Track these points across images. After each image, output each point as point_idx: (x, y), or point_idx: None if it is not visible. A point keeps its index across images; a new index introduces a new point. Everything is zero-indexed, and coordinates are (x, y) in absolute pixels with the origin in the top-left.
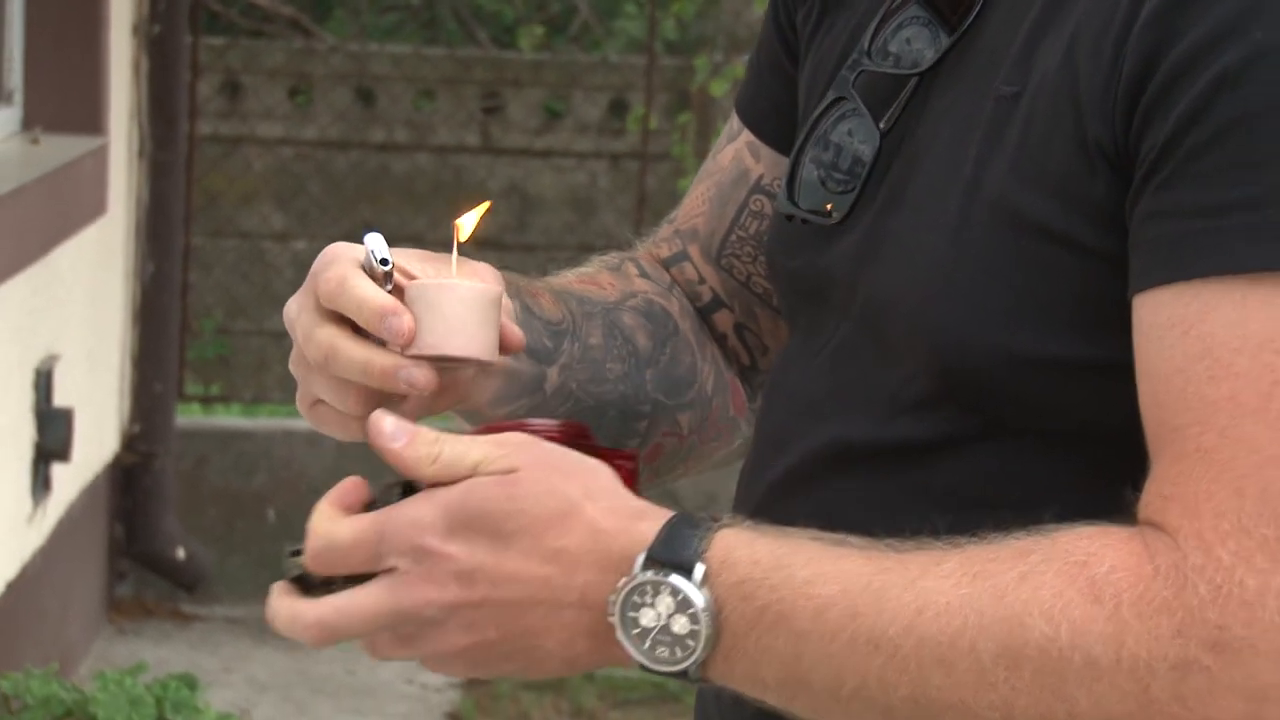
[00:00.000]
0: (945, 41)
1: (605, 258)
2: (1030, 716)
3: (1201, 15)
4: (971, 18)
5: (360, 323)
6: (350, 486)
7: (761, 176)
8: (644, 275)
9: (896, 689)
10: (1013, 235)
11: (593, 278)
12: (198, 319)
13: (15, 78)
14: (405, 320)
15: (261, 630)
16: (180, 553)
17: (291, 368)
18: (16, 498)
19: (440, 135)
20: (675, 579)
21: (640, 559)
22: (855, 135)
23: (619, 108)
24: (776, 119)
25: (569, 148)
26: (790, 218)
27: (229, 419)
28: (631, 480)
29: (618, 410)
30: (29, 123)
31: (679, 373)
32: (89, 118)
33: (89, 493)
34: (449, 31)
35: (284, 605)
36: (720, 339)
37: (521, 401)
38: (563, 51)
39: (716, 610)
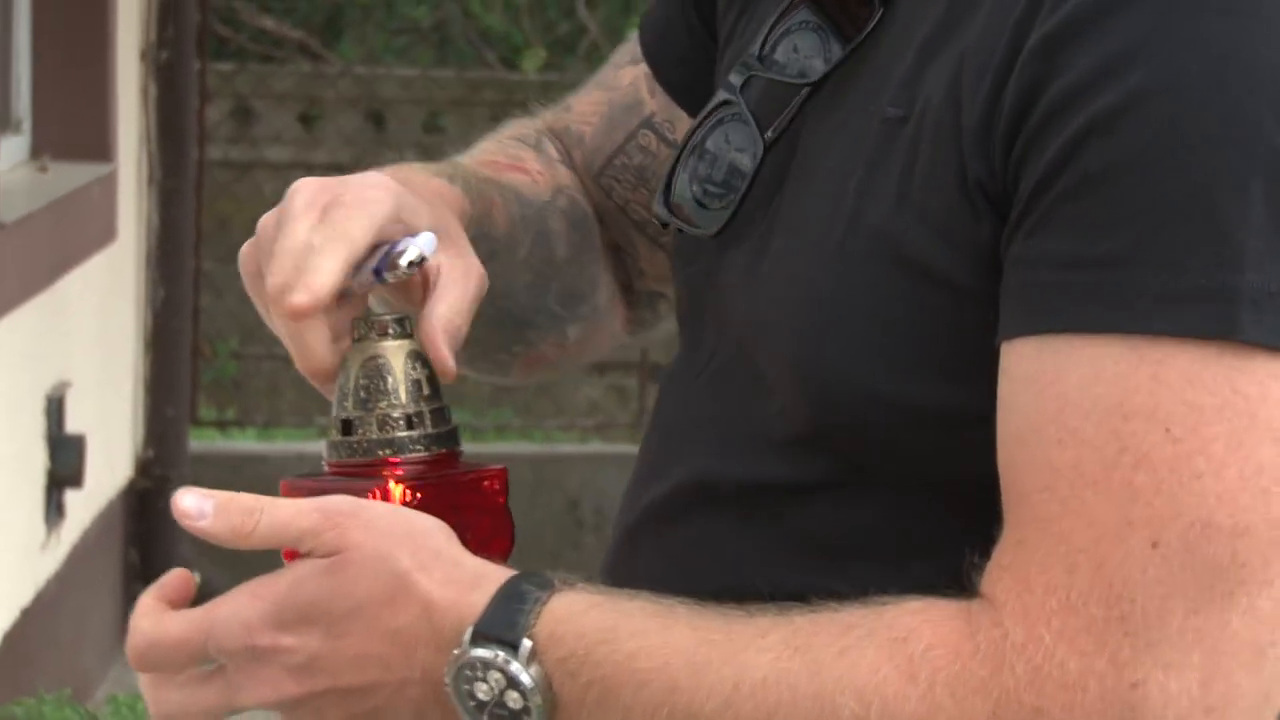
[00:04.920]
0: (837, 51)
1: (519, 129)
2: None
3: (1083, 52)
4: (868, 30)
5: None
6: (177, 580)
7: (654, 114)
8: (564, 162)
9: None
10: (892, 272)
11: (519, 161)
12: (210, 344)
13: (23, 105)
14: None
15: None
16: (196, 578)
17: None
18: (30, 524)
19: (450, 156)
20: (501, 657)
21: (468, 635)
22: (733, 142)
23: None
24: (681, 69)
25: None
26: (665, 225)
27: (243, 443)
28: (502, 495)
29: (513, 320)
30: (37, 150)
31: (581, 285)
32: (97, 145)
33: (103, 519)
34: (459, 52)
35: (141, 681)
36: None
37: None
38: (571, 71)
39: (546, 686)
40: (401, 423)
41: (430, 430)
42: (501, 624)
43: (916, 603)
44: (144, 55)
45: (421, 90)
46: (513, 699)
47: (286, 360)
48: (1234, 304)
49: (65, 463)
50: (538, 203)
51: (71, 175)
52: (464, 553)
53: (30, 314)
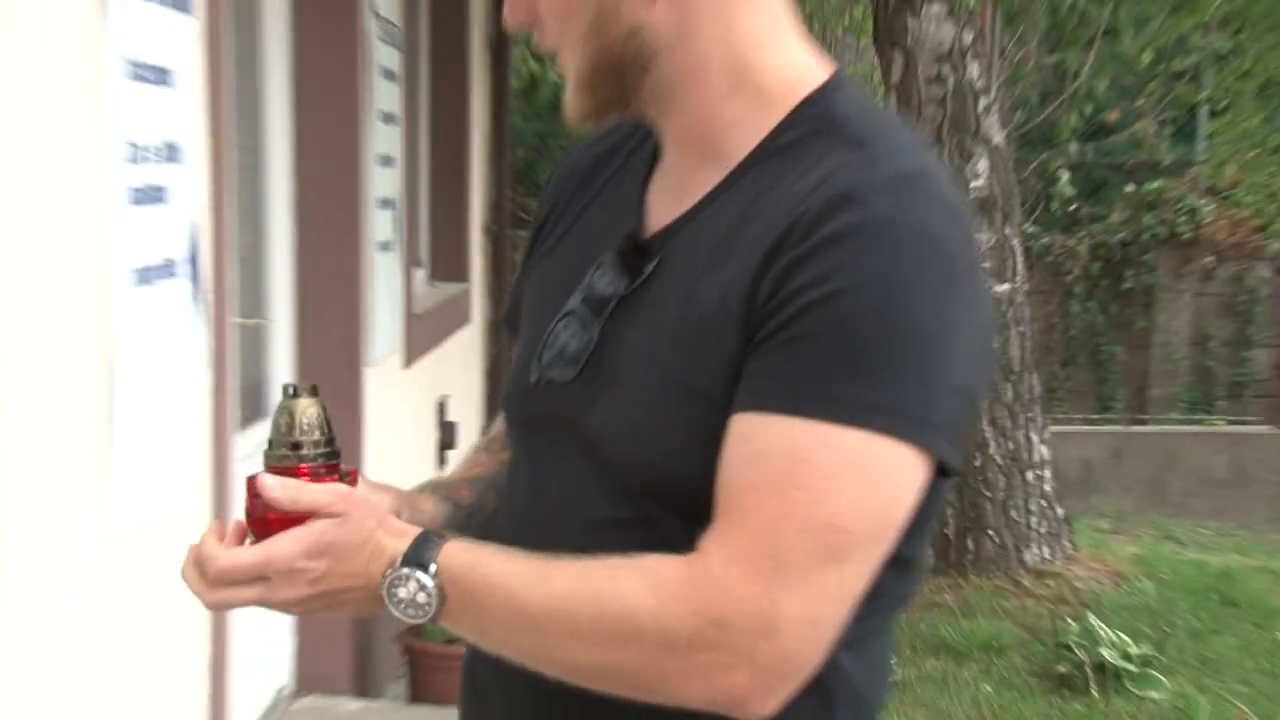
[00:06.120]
0: (624, 284)
1: (487, 439)
2: (607, 662)
3: (808, 268)
4: (647, 273)
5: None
6: (237, 527)
7: None
8: (504, 447)
9: (540, 644)
10: (685, 401)
11: (479, 461)
12: None
13: (424, 251)
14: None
15: None
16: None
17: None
18: (428, 473)
19: None
20: (418, 572)
21: (400, 559)
22: (568, 330)
23: None
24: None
25: None
26: (535, 382)
27: None
28: (356, 483)
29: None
30: (432, 276)
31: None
32: (461, 273)
33: None
34: None
35: (193, 584)
36: None
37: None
38: None
39: (440, 592)
40: (327, 444)
41: (336, 448)
42: (419, 554)
43: (659, 556)
44: (485, 229)
45: None
46: (421, 598)
47: None
48: (862, 407)
49: (447, 436)
50: (488, 479)
51: (449, 289)
52: (393, 518)
53: (429, 360)
